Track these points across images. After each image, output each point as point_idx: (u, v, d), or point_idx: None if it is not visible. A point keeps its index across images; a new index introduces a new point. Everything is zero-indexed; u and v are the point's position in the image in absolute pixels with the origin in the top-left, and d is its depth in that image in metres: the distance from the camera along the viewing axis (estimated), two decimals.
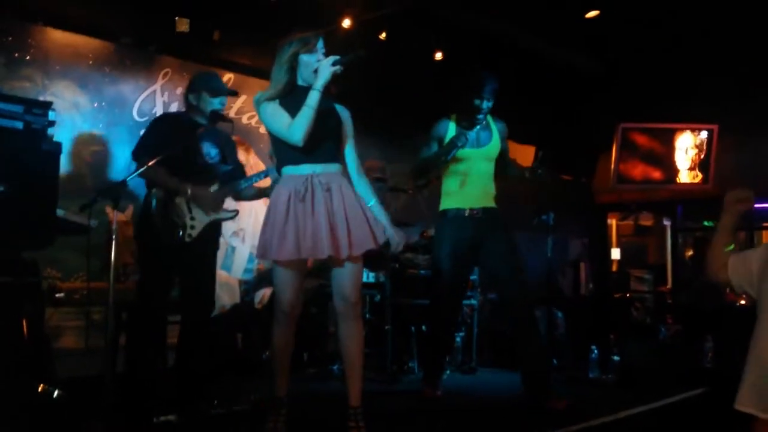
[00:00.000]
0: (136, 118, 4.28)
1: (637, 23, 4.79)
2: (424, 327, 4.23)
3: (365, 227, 2.50)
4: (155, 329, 3.17)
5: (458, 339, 4.35)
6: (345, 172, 2.60)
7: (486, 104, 3.33)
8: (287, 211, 2.47)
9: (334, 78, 2.49)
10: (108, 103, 4.17)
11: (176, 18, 4.20)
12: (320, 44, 2.53)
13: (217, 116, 3.20)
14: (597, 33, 4.88)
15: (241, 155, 4.64)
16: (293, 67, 2.52)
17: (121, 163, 4.13)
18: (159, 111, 4.38)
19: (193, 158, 3.06)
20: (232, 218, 3.20)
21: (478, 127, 3.40)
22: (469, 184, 3.38)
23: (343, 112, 2.66)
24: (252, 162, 4.94)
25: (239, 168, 3.29)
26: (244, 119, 4.90)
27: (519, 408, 3.23)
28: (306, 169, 2.51)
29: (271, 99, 2.52)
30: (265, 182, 3.26)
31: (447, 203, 3.44)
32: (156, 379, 3.18)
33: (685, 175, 6.35)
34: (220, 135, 3.25)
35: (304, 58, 2.51)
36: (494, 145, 3.42)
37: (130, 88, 4.28)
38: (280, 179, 2.58)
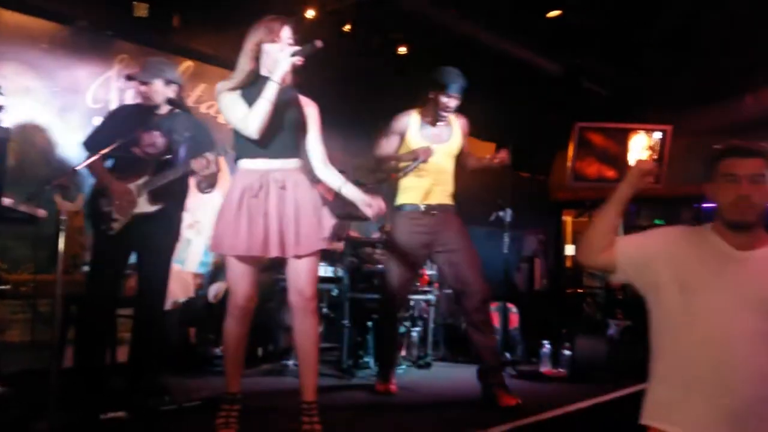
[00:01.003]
0: (90, 104, 4.14)
1: (597, 25, 4.88)
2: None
3: (318, 226, 2.49)
4: (104, 322, 3.10)
5: (414, 334, 4.38)
6: (305, 167, 2.58)
7: (453, 102, 3.34)
8: (240, 206, 2.45)
9: (295, 69, 2.48)
10: (61, 88, 4.02)
11: (134, 2, 4.09)
12: (286, 33, 2.49)
13: (174, 104, 3.14)
14: (558, 33, 4.96)
15: None
16: (256, 56, 2.49)
17: (74, 150, 4.00)
18: (114, 98, 4.25)
19: (128, 150, 2.96)
20: (161, 214, 3.03)
21: (439, 125, 3.41)
22: (428, 180, 3.39)
23: (308, 104, 2.63)
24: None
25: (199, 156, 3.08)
26: (203, 108, 4.80)
27: (473, 403, 3.28)
28: (262, 164, 2.49)
29: (232, 89, 2.49)
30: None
31: (404, 198, 3.45)
32: (105, 374, 3.13)
33: None
34: (178, 124, 3.10)
35: (268, 47, 2.47)
36: (455, 142, 3.44)
37: (84, 74, 4.13)
38: (237, 172, 2.55)
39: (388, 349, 3.53)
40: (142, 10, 4.17)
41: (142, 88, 3.08)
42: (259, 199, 2.44)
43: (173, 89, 3.11)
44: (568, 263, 8.39)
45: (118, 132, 2.93)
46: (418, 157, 3.26)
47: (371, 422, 2.96)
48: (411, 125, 3.41)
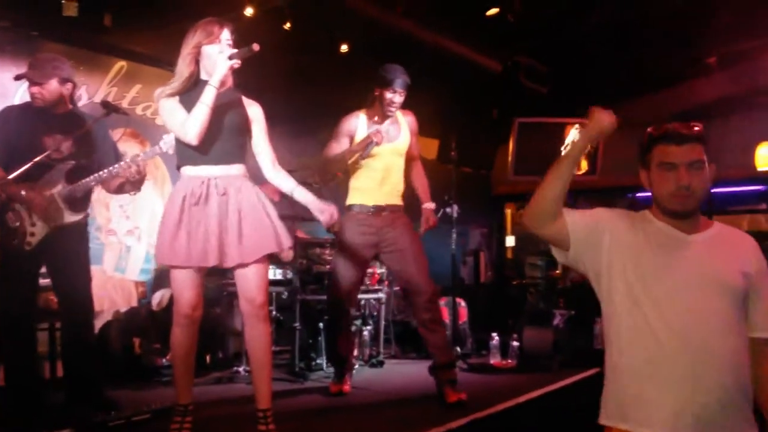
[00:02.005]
0: None
1: (535, 23, 4.99)
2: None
3: (267, 231, 2.44)
4: (23, 339, 2.92)
5: (366, 332, 4.37)
6: (249, 172, 2.53)
7: (398, 98, 3.34)
8: (181, 214, 2.39)
9: (234, 71, 2.43)
10: None
11: (63, 1, 3.90)
12: (225, 35, 2.44)
13: (110, 107, 3.01)
14: (497, 30, 5.04)
15: (136, 149, 4.40)
16: (196, 60, 2.43)
17: None
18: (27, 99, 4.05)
19: (32, 155, 2.73)
20: (80, 221, 2.90)
21: (387, 121, 3.40)
22: (377, 180, 3.38)
23: (252, 107, 2.58)
24: None
25: (107, 158, 2.95)
26: (139, 110, 4.65)
27: (428, 399, 3.29)
28: (204, 170, 2.43)
29: (171, 95, 2.42)
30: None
31: (353, 198, 3.43)
32: (41, 390, 3.00)
33: None
34: (75, 125, 2.91)
35: (208, 49, 2.42)
36: (404, 140, 3.43)
37: (10, 76, 3.89)
38: (179, 179, 2.48)
39: (341, 349, 3.50)
40: (71, 9, 3.97)
41: (34, 89, 2.86)
42: (200, 207, 2.38)
43: (69, 87, 2.94)
44: (509, 255, 8.60)
45: (12, 136, 2.78)
46: (371, 141, 3.24)
47: (327, 425, 2.94)
48: (359, 126, 3.39)
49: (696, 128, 1.62)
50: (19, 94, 3.95)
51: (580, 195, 7.51)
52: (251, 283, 2.43)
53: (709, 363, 1.53)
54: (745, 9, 4.87)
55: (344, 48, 5.03)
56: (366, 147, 3.25)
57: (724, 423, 1.54)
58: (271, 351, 2.50)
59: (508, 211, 8.66)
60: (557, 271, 7.29)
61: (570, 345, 4.26)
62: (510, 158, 6.51)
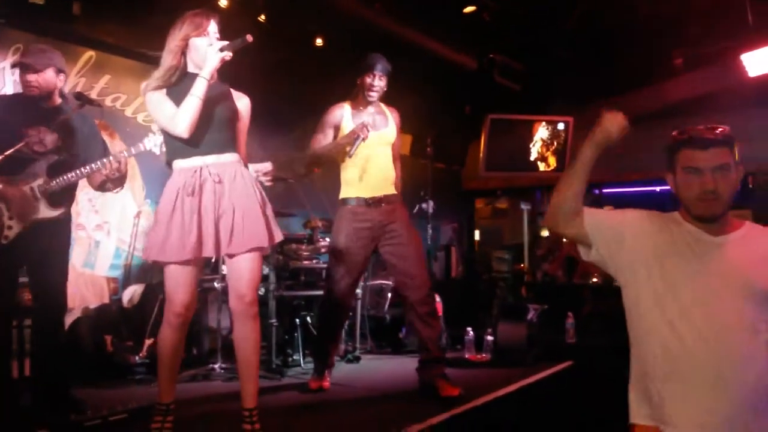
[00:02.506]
0: None
1: (511, 23, 5.04)
2: (309, 318, 4.20)
3: (259, 222, 2.40)
4: (3, 336, 2.83)
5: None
6: (241, 161, 2.49)
7: (378, 82, 3.32)
8: (173, 207, 2.34)
9: (223, 64, 2.38)
10: None
11: None
12: (212, 27, 2.40)
13: (83, 99, 2.92)
14: (472, 28, 5.07)
15: (106, 140, 4.28)
16: (183, 52, 2.39)
17: None
18: (10, 90, 3.91)
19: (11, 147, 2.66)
20: (59, 217, 2.80)
21: (372, 110, 3.38)
22: (369, 171, 3.33)
23: (240, 99, 2.55)
24: (117, 148, 4.59)
25: (94, 154, 2.87)
26: (108, 101, 4.53)
27: (407, 395, 3.31)
28: (196, 161, 2.39)
29: (158, 87, 2.36)
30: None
31: (347, 192, 3.38)
32: (13, 390, 2.89)
33: (541, 164, 6.84)
34: (62, 118, 2.84)
35: (196, 41, 2.38)
36: (391, 130, 3.41)
37: None
38: (172, 174, 2.42)
39: (329, 346, 3.48)
40: None
41: (32, 76, 2.78)
42: (194, 197, 2.33)
43: (62, 78, 2.87)
44: (477, 249, 8.70)
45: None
46: (358, 136, 3.20)
47: (310, 422, 2.92)
48: (344, 117, 3.35)
49: (721, 131, 1.61)
50: None
51: (548, 191, 7.66)
52: (243, 279, 2.38)
53: (736, 366, 1.53)
54: (711, 14, 5.02)
55: (319, 42, 4.99)
56: (354, 143, 3.21)
57: (753, 425, 1.54)
58: (258, 350, 2.45)
59: (479, 207, 8.76)
60: (522, 265, 7.41)
61: (544, 339, 4.32)
62: (481, 154, 6.58)
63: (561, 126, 6.75)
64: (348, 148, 3.23)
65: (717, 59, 5.60)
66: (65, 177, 2.74)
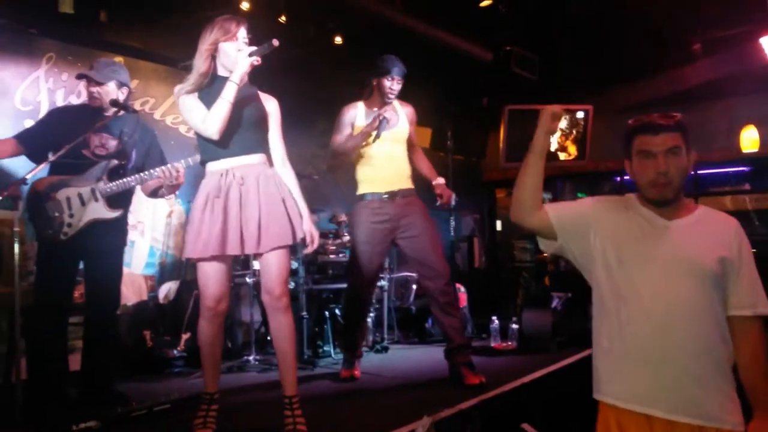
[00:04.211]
0: (19, 107, 3.95)
1: (525, 13, 5.08)
2: (337, 311, 4.31)
3: (283, 221, 2.50)
4: (55, 331, 2.99)
5: (369, 320, 4.47)
6: (268, 161, 2.59)
7: (396, 86, 3.42)
8: (204, 208, 2.46)
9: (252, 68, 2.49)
10: None
11: None
12: (242, 33, 2.50)
13: (118, 105, 3.06)
14: (488, 21, 5.13)
15: None
16: (213, 56, 2.49)
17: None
18: (44, 99, 4.07)
19: (77, 152, 2.88)
20: (116, 218, 2.98)
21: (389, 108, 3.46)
22: (383, 167, 3.44)
23: (269, 101, 2.64)
24: None
25: (153, 161, 3.06)
26: (137, 105, 4.66)
27: (435, 382, 3.41)
28: (224, 163, 2.50)
29: (190, 91, 2.47)
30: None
31: (363, 188, 3.48)
32: (63, 385, 3.05)
33: (561, 153, 6.87)
34: (126, 126, 3.06)
35: (225, 46, 2.47)
36: (403, 127, 3.51)
37: (10, 75, 3.93)
38: (204, 176, 2.54)
39: (357, 337, 3.59)
40: (67, 6, 4.02)
41: (94, 88, 2.99)
42: (221, 198, 2.45)
43: (124, 92, 3.06)
44: (499, 239, 8.74)
45: (62, 133, 2.85)
46: (383, 117, 3.30)
47: (346, 408, 3.04)
48: (358, 116, 3.47)
49: (673, 118, 1.69)
50: (20, 93, 3.97)
51: (569, 179, 7.68)
52: (270, 275, 2.49)
53: (681, 344, 1.63)
54: None
55: (338, 40, 5.08)
56: (379, 125, 3.31)
57: (697, 399, 1.63)
58: (293, 341, 2.56)
59: (500, 197, 8.80)
60: (546, 254, 7.44)
61: (568, 326, 4.38)
62: (501, 145, 6.61)
63: (580, 114, 6.74)
64: (375, 131, 3.32)
65: (735, 43, 5.59)
66: (125, 181, 2.92)
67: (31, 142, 2.99)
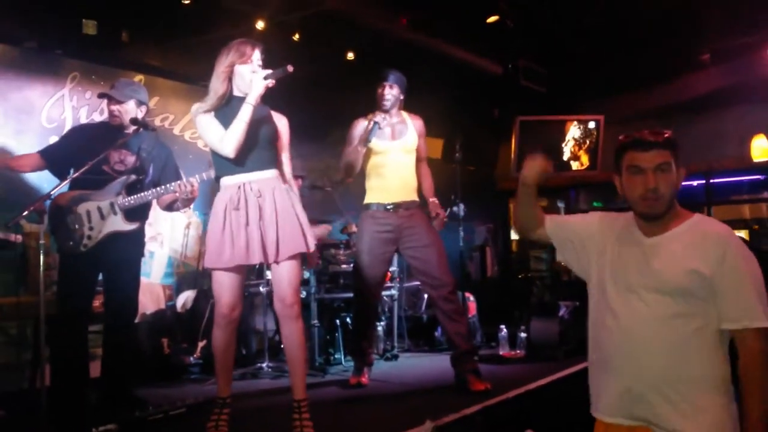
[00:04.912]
0: (45, 124, 4.15)
1: (532, 24, 5.18)
2: (348, 319, 4.43)
3: (296, 231, 2.63)
4: (76, 339, 3.12)
5: (380, 328, 4.57)
6: (280, 176, 2.71)
7: (389, 91, 3.54)
8: (224, 220, 2.58)
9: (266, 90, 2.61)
10: (15, 110, 4.01)
11: (83, 20, 4.12)
12: (256, 55, 2.61)
13: (139, 124, 3.21)
14: (497, 36, 5.23)
15: None
16: (229, 78, 2.60)
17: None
18: (68, 116, 4.27)
19: (98, 168, 3.01)
20: (134, 230, 3.11)
21: (395, 120, 3.57)
22: (390, 177, 3.55)
23: (281, 120, 2.77)
24: None
25: (169, 176, 3.20)
26: (157, 121, 4.85)
27: (443, 389, 3.50)
28: (240, 178, 2.62)
29: (207, 111, 2.60)
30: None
31: (370, 197, 3.60)
32: (84, 390, 3.19)
33: (574, 163, 6.93)
34: (144, 143, 3.20)
35: (240, 68, 2.59)
36: (411, 138, 3.61)
37: (37, 94, 4.13)
38: (219, 189, 2.67)
39: (364, 344, 3.70)
40: (90, 28, 4.22)
41: (114, 107, 3.14)
42: (240, 210, 2.57)
43: (143, 110, 3.21)
44: (514, 248, 8.78)
45: (83, 149, 3.01)
46: (372, 120, 3.43)
47: (353, 413, 3.15)
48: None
49: (662, 135, 1.71)
50: (46, 111, 4.17)
51: (583, 189, 7.72)
52: (283, 283, 2.61)
53: (648, 356, 1.67)
54: (736, 7, 5.05)
55: (350, 56, 5.22)
56: (371, 130, 3.42)
57: (666, 414, 1.66)
58: (304, 347, 2.67)
59: (512, 207, 8.84)
60: (561, 263, 7.48)
61: (575, 335, 4.43)
62: (513, 156, 6.70)
63: (592, 125, 6.83)
64: (367, 134, 3.43)
65: (743, 53, 5.62)
66: (142, 195, 3.06)
67: (52, 158, 3.16)
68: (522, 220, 1.98)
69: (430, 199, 3.68)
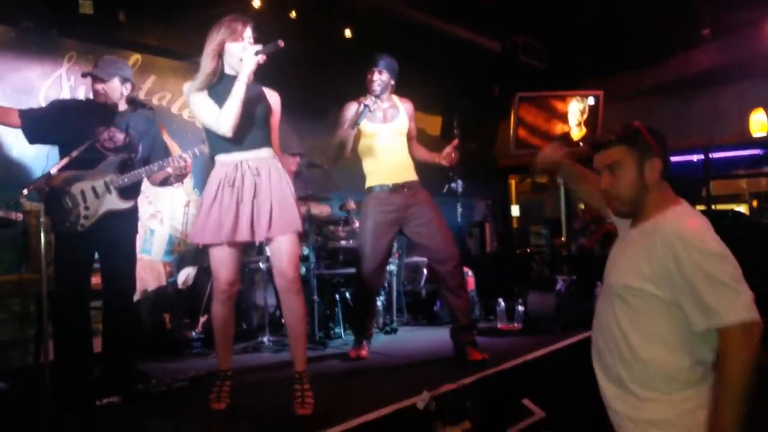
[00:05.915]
0: (43, 104, 4.15)
1: (531, 4, 5.15)
2: (348, 294, 4.48)
3: (293, 210, 2.65)
4: (77, 316, 3.15)
5: (379, 302, 4.63)
6: (275, 155, 2.73)
7: (377, 77, 3.58)
8: (215, 196, 2.60)
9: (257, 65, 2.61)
10: (13, 90, 4.03)
11: (79, 0, 4.12)
12: (247, 33, 2.60)
13: (137, 104, 3.22)
14: (496, 12, 5.21)
15: None
16: (220, 55, 2.60)
17: (30, 151, 4.02)
18: (66, 96, 4.27)
19: (89, 146, 2.97)
20: (129, 209, 3.13)
21: (386, 105, 3.62)
22: (385, 159, 3.61)
23: (272, 96, 2.77)
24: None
25: (158, 153, 3.20)
26: (155, 100, 4.86)
27: (442, 360, 3.57)
28: (237, 156, 2.63)
29: (199, 90, 2.60)
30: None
31: (371, 180, 3.66)
32: (87, 365, 3.24)
33: (576, 131, 6.94)
34: (133, 121, 3.17)
35: (231, 46, 2.58)
36: (402, 121, 3.67)
37: (35, 74, 4.15)
38: (214, 166, 2.70)
39: (364, 319, 3.78)
40: (87, 8, 4.21)
41: (99, 85, 3.12)
42: (235, 187, 2.59)
43: (128, 87, 3.19)
44: (515, 224, 8.83)
45: (68, 125, 3.02)
46: (362, 103, 3.48)
47: (352, 385, 3.21)
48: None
49: (614, 133, 1.69)
50: (44, 91, 4.19)
51: (583, 164, 7.73)
52: (282, 258, 2.63)
53: (609, 351, 1.72)
54: None
55: (348, 34, 5.21)
56: (361, 113, 3.47)
57: (626, 408, 1.69)
58: (304, 320, 2.71)
59: (512, 182, 8.88)
60: (561, 239, 7.52)
61: (572, 308, 4.49)
62: (512, 132, 6.72)
63: (591, 100, 6.83)
64: (357, 118, 3.48)
65: (743, 28, 5.59)
66: (135, 173, 3.07)
67: (31, 120, 3.09)
68: (585, 198, 2.02)
69: (440, 156, 3.64)
